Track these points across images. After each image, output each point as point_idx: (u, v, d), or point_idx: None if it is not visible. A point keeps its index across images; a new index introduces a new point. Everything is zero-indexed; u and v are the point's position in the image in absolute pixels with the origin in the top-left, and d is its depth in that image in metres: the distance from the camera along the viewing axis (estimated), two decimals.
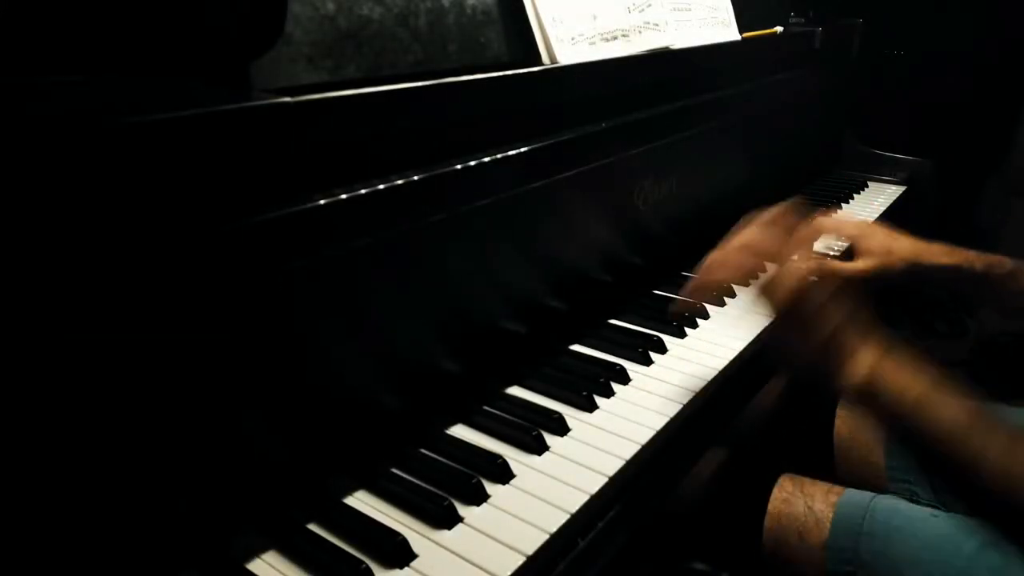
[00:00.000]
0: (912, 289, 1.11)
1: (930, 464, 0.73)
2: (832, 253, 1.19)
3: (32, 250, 0.47)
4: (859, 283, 1.09)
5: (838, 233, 1.16)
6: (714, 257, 0.87)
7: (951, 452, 0.65)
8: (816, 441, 1.14)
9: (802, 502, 0.92)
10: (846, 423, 1.16)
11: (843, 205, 1.58)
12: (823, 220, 1.18)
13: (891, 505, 0.88)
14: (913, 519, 0.85)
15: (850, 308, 0.76)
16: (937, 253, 1.07)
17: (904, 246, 1.08)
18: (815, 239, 1.19)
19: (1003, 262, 1.04)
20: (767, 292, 0.79)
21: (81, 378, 0.50)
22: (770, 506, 0.94)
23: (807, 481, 0.96)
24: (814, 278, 0.80)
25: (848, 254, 1.14)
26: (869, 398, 0.71)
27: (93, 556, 0.54)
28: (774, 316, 0.78)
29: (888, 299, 1.92)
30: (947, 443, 0.66)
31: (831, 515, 0.89)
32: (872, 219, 1.48)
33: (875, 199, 1.63)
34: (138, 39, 0.60)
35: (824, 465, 1.12)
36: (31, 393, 0.48)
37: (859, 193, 1.67)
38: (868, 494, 0.91)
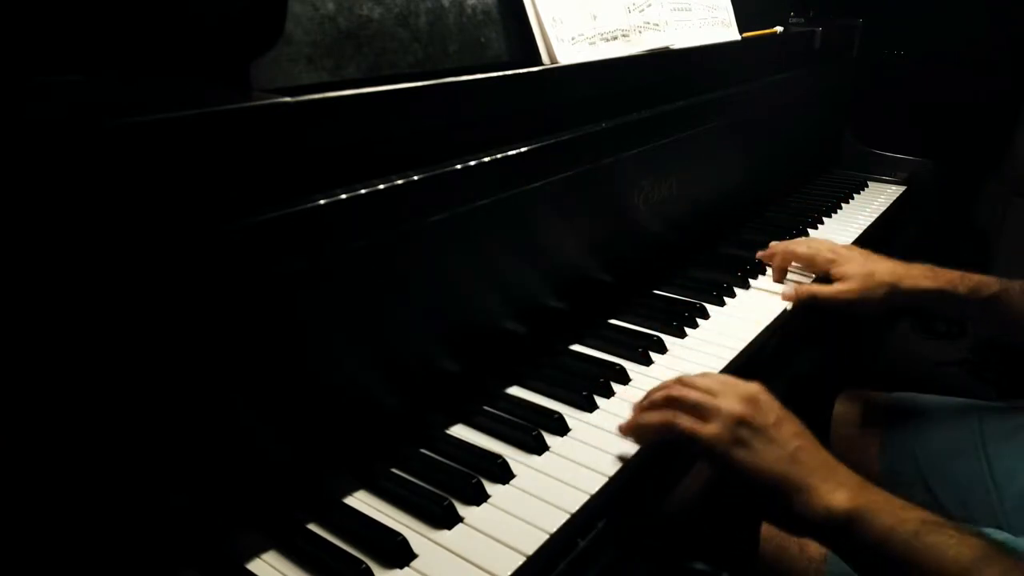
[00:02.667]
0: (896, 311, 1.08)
1: None
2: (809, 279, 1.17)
3: (32, 250, 0.47)
4: (839, 308, 1.07)
5: (811, 263, 1.13)
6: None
7: None
8: None
9: None
10: (840, 430, 1.16)
11: (843, 205, 1.58)
12: (796, 248, 1.15)
13: None
14: None
15: (794, 433, 0.69)
16: (918, 276, 1.04)
17: (884, 269, 1.05)
18: (787, 267, 1.17)
19: (988, 283, 1.01)
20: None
21: (82, 378, 0.50)
22: None
23: None
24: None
25: (824, 280, 1.12)
26: (847, 532, 0.63)
27: (93, 555, 0.54)
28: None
29: None
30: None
31: None
32: (865, 226, 1.46)
33: (875, 199, 1.63)
34: (138, 39, 0.60)
35: None
36: (31, 393, 0.48)
37: (859, 193, 1.67)
38: None
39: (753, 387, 0.73)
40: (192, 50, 0.62)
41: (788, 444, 0.67)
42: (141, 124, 0.50)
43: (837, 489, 0.64)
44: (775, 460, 0.66)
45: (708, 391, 0.72)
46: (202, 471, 0.61)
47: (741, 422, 0.68)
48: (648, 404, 0.77)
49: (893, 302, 1.05)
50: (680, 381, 0.76)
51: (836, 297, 1.06)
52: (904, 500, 0.65)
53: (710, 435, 0.68)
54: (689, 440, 0.70)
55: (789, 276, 1.18)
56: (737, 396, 0.71)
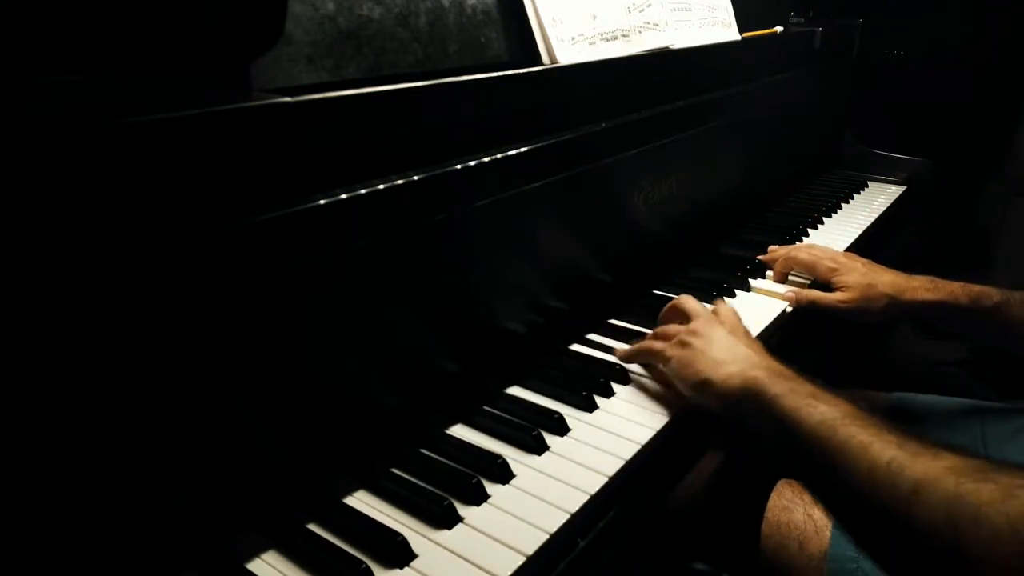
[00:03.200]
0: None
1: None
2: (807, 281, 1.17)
3: (32, 251, 0.47)
4: (838, 316, 1.07)
5: (813, 270, 1.13)
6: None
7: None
8: None
9: (802, 510, 0.92)
10: None
11: (843, 205, 1.58)
12: (798, 253, 1.15)
13: None
14: None
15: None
16: (919, 288, 1.04)
17: (885, 281, 1.05)
18: (789, 270, 1.17)
19: (989, 294, 1.01)
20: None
21: (82, 378, 0.50)
22: (769, 513, 0.93)
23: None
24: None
25: (822, 286, 1.12)
26: (754, 392, 0.72)
27: (93, 555, 0.54)
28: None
29: None
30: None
31: (831, 523, 0.89)
32: (865, 226, 1.46)
33: (875, 199, 1.63)
34: (138, 39, 0.60)
35: None
36: (32, 393, 0.48)
37: (859, 193, 1.67)
38: None
39: (708, 317, 0.88)
40: (192, 50, 0.62)
41: (724, 342, 0.81)
42: (141, 124, 0.50)
43: (754, 368, 0.75)
44: (707, 352, 0.79)
45: (690, 331, 0.85)
46: (202, 471, 0.61)
47: (691, 333, 0.83)
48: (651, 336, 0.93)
49: (893, 314, 1.05)
50: (674, 307, 0.94)
51: (836, 306, 1.06)
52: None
53: (661, 348, 0.85)
54: (654, 352, 0.87)
55: (790, 279, 1.18)
56: (696, 322, 0.86)
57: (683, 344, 0.82)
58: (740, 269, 1.17)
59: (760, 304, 1.09)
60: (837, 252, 1.15)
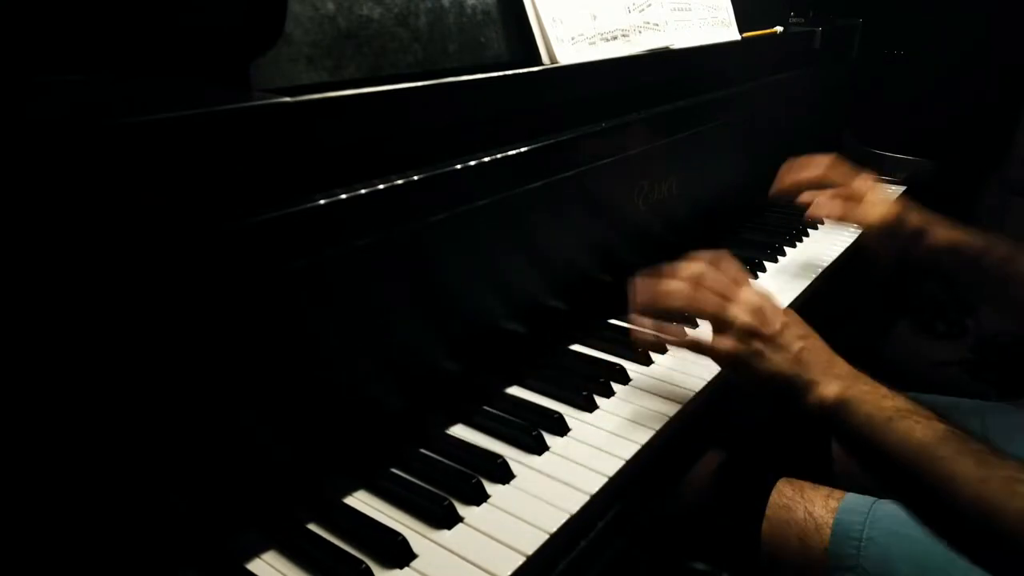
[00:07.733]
0: (914, 270, 1.12)
1: (894, 488, 0.74)
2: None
3: (32, 251, 0.47)
4: (867, 231, 1.13)
5: (851, 196, 1.17)
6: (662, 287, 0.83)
7: (922, 472, 0.65)
8: (814, 443, 1.14)
9: (802, 508, 0.92)
10: None
11: None
12: (827, 203, 1.18)
13: (892, 511, 0.87)
14: (915, 524, 0.85)
15: (806, 337, 0.78)
16: (945, 223, 1.10)
17: (916, 214, 1.12)
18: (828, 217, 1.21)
19: (999, 242, 1.05)
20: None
21: (82, 378, 0.50)
22: (769, 511, 0.94)
23: (807, 485, 0.95)
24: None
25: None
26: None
27: (93, 555, 0.54)
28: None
29: (888, 296, 1.92)
30: (916, 463, 0.66)
31: (831, 521, 0.89)
32: (856, 235, 1.46)
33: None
34: (138, 39, 0.60)
35: (822, 468, 1.11)
36: (32, 392, 0.48)
37: None
38: (869, 499, 0.90)
39: (758, 296, 0.81)
40: (192, 50, 0.62)
41: (793, 347, 0.76)
42: (142, 124, 0.50)
43: (832, 382, 0.73)
44: (782, 364, 0.75)
45: (722, 294, 0.79)
46: (203, 471, 0.61)
47: (752, 333, 0.77)
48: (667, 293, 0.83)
49: (915, 250, 1.09)
50: (696, 281, 0.81)
51: (865, 219, 1.12)
52: (889, 390, 0.73)
53: (728, 349, 0.78)
54: (708, 350, 0.80)
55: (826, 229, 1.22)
56: (746, 306, 0.78)
57: (752, 352, 0.76)
58: None
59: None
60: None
